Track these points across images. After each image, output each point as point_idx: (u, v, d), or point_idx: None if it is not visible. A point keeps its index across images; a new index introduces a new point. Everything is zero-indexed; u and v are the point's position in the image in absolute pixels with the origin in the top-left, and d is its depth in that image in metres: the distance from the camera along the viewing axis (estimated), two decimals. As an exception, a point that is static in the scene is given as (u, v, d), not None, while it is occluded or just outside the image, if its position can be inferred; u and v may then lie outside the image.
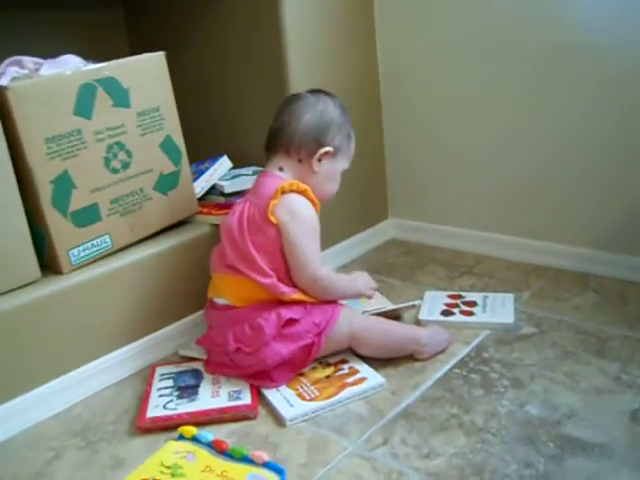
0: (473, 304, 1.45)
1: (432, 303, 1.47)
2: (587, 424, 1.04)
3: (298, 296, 1.22)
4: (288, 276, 1.24)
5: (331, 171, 1.30)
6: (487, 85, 1.65)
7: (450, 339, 1.32)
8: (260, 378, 1.22)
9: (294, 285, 1.24)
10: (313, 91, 1.32)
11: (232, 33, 1.68)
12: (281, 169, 1.28)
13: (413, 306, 1.44)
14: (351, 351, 1.28)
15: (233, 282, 1.24)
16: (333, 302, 1.27)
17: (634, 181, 1.47)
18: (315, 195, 1.27)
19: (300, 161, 1.27)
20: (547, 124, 1.57)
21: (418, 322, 1.40)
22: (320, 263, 1.24)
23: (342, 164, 1.32)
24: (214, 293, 1.29)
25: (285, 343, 1.20)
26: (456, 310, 1.43)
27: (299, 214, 1.22)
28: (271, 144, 1.30)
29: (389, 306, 1.44)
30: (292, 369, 1.23)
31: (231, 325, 1.23)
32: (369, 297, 1.35)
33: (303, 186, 1.24)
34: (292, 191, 1.23)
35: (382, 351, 1.27)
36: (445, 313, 1.42)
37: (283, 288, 1.21)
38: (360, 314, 1.32)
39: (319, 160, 1.27)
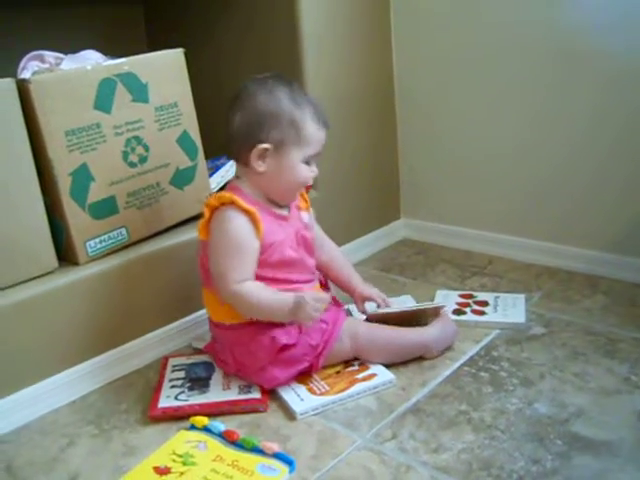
0: (485, 304, 1.45)
1: (444, 302, 1.47)
2: (595, 423, 1.05)
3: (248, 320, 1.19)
4: None
5: (281, 166, 1.18)
6: (500, 89, 1.66)
7: (456, 330, 1.32)
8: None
9: None
10: (253, 81, 1.21)
11: (249, 31, 1.70)
12: (238, 177, 1.23)
13: (441, 307, 1.35)
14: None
15: (209, 296, 1.24)
16: (333, 319, 1.23)
17: (646, 185, 1.48)
18: (274, 194, 1.21)
19: (246, 165, 1.19)
20: (559, 128, 1.58)
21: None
22: (236, 278, 1.14)
23: (296, 154, 1.18)
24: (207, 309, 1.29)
25: (282, 368, 1.18)
26: (468, 309, 1.44)
27: (220, 228, 1.16)
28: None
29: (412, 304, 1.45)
30: (292, 381, 1.22)
31: (230, 346, 1.22)
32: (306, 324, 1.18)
33: (228, 196, 1.15)
34: (222, 204, 1.16)
35: (391, 360, 1.26)
36: (457, 312, 1.43)
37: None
38: (365, 326, 1.27)
39: (261, 160, 1.17)
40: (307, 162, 1.21)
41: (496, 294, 1.50)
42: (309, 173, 1.21)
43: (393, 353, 1.26)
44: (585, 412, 1.08)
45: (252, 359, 1.19)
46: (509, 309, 1.42)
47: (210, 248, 1.17)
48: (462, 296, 1.51)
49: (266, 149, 1.17)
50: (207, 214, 1.17)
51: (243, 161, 1.20)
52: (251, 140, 1.17)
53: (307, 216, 1.29)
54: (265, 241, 1.18)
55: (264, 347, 1.17)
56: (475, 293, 1.52)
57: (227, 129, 1.21)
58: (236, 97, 1.21)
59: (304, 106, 1.18)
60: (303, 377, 1.22)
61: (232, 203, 1.15)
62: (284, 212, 1.24)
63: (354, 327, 1.25)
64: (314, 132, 1.19)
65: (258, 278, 1.18)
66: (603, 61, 1.47)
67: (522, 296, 1.48)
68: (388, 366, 1.24)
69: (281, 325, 1.18)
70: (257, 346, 1.17)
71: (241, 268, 1.15)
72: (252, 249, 1.16)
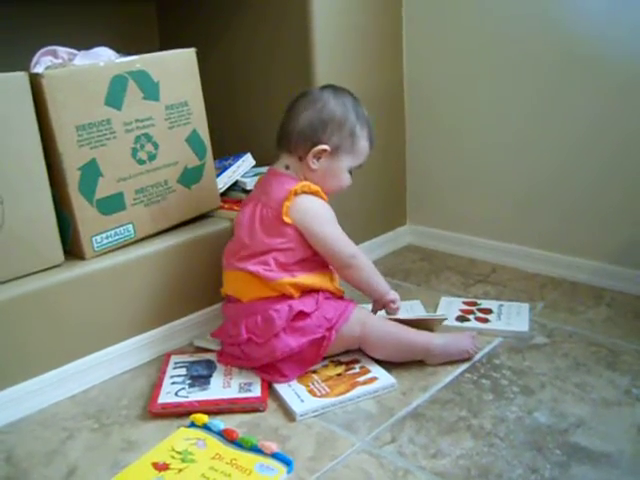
0: (488, 311, 1.46)
1: (448, 309, 1.48)
2: (595, 434, 1.05)
3: (287, 280, 1.23)
4: (298, 267, 1.26)
5: (331, 169, 1.29)
6: (510, 97, 1.66)
7: (470, 349, 1.29)
8: (271, 373, 1.24)
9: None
10: (324, 87, 1.32)
11: (260, 31, 1.71)
12: (287, 167, 1.30)
13: (443, 319, 1.38)
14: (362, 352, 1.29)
15: (242, 278, 1.26)
16: (346, 302, 1.29)
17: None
18: None
19: (300, 159, 1.28)
20: (564, 138, 1.58)
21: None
22: (350, 242, 1.28)
23: (346, 162, 1.30)
24: (228, 289, 1.32)
25: (295, 336, 1.22)
26: (471, 317, 1.44)
27: (313, 210, 1.25)
28: (278, 142, 1.32)
29: (418, 313, 1.46)
30: (302, 364, 1.24)
31: (245, 317, 1.25)
32: (390, 309, 1.33)
33: (315, 187, 1.26)
34: (304, 192, 1.25)
35: (393, 356, 1.27)
36: (460, 319, 1.43)
37: (268, 274, 1.23)
38: (374, 317, 1.31)
39: (317, 158, 1.27)
40: (350, 172, 1.32)
41: (500, 302, 1.50)
42: (348, 182, 1.33)
43: (395, 349, 1.27)
44: (585, 423, 1.08)
45: (267, 326, 1.21)
46: (513, 317, 1.42)
47: (314, 228, 1.25)
48: (466, 303, 1.51)
49: (325, 150, 1.26)
50: (291, 200, 1.24)
51: (298, 155, 1.28)
52: (313, 138, 1.26)
53: None
54: None
55: (281, 313, 1.21)
56: (479, 300, 1.52)
57: (288, 122, 1.29)
58: (305, 95, 1.31)
59: (364, 122, 1.31)
60: (304, 378, 1.23)
61: (317, 192, 1.26)
62: None
63: (364, 316, 1.28)
64: (365, 147, 1.32)
65: (313, 260, 1.28)
66: (609, 66, 1.47)
67: (526, 305, 1.48)
68: (389, 368, 1.25)
69: (299, 298, 1.24)
70: (275, 313, 1.21)
71: (345, 235, 1.28)
72: None
